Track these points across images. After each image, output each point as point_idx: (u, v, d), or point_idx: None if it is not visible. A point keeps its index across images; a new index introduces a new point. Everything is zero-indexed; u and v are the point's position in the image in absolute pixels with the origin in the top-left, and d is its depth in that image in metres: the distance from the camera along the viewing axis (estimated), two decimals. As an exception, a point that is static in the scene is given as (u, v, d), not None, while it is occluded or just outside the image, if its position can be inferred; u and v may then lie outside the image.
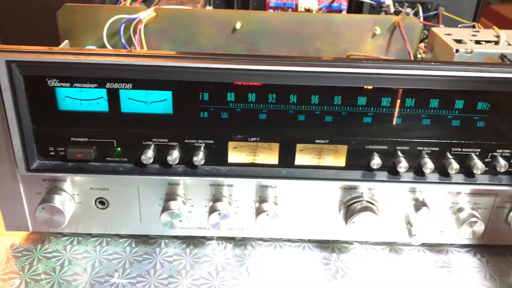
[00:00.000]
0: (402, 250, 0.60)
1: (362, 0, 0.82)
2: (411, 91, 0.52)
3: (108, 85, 0.51)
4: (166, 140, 0.54)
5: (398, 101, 0.53)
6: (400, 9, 0.91)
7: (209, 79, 0.51)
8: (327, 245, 0.60)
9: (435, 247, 0.61)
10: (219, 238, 0.60)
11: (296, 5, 0.82)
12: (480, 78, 0.50)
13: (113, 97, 0.52)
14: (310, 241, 0.61)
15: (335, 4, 0.82)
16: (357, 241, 0.61)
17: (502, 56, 0.59)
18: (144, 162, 0.53)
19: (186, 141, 0.54)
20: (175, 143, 0.54)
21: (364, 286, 0.55)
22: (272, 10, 0.83)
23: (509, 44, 0.64)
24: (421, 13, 0.90)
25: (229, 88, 0.52)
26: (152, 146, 0.54)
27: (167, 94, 0.52)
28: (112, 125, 0.53)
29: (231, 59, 0.51)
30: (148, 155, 0.53)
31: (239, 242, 0.60)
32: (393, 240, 0.60)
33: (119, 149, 0.55)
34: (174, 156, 0.53)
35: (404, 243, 0.61)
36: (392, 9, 0.82)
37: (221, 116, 0.53)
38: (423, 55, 0.74)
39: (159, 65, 0.49)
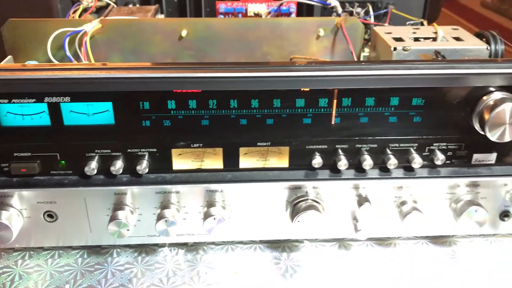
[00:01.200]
0: (351, 246, 0.62)
1: (307, 3, 0.84)
2: (346, 91, 0.53)
3: (46, 99, 0.51)
4: (109, 151, 0.54)
5: (335, 101, 0.54)
6: (351, 9, 0.93)
7: (147, 89, 0.52)
8: (278, 245, 0.62)
9: (383, 241, 0.62)
10: (171, 245, 0.61)
11: (246, 10, 0.84)
12: (410, 75, 0.52)
13: (55, 111, 0.52)
14: (261, 242, 0.62)
15: (283, 8, 0.83)
16: (307, 239, 0.62)
17: (436, 53, 0.61)
18: (88, 173, 0.54)
19: (129, 150, 0.55)
20: (118, 153, 0.55)
21: (312, 283, 0.56)
22: (222, 16, 0.84)
23: (447, 40, 0.67)
24: (371, 12, 0.92)
25: (169, 96, 0.53)
26: (96, 157, 0.55)
27: (108, 105, 0.53)
28: (55, 138, 0.54)
29: (167, 67, 0.52)
30: (92, 167, 0.54)
31: (191, 247, 0.61)
32: (342, 236, 0.62)
33: (63, 162, 0.55)
34: (118, 166, 0.54)
35: (352, 238, 0.62)
36: (340, 10, 0.84)
37: (163, 124, 0.54)
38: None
39: (94, 77, 0.50)
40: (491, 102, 0.52)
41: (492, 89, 0.53)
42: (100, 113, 0.53)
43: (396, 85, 0.53)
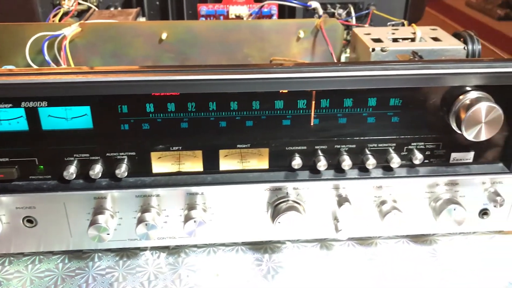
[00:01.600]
0: (332, 246, 0.62)
1: (289, 5, 0.84)
2: (325, 92, 0.54)
3: (23, 104, 0.51)
4: (88, 155, 0.54)
5: (313, 102, 0.54)
6: (333, 10, 0.93)
7: (125, 92, 0.51)
8: (260, 246, 0.62)
9: (364, 241, 0.63)
10: (153, 248, 0.61)
11: (227, 12, 0.84)
12: (387, 76, 0.52)
13: (33, 116, 0.52)
14: (243, 243, 0.62)
15: (265, 10, 0.83)
16: (289, 240, 0.62)
17: (414, 53, 0.62)
18: (67, 178, 0.54)
19: (108, 154, 0.55)
20: (97, 157, 0.54)
21: (294, 284, 0.56)
22: (204, 19, 0.84)
23: (425, 41, 0.67)
24: (353, 14, 0.93)
25: (148, 100, 0.53)
26: (75, 162, 0.54)
27: (86, 109, 0.53)
28: (33, 143, 0.53)
29: (145, 70, 0.52)
30: (70, 171, 0.54)
31: (173, 250, 0.61)
32: (323, 237, 0.62)
33: (41, 166, 0.55)
34: (96, 170, 0.54)
35: (334, 238, 0.62)
36: (320, 12, 0.84)
37: (142, 127, 0.54)
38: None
39: (72, 82, 0.50)
40: (467, 102, 0.53)
41: (468, 88, 0.54)
42: (78, 117, 0.53)
43: (373, 85, 0.53)
